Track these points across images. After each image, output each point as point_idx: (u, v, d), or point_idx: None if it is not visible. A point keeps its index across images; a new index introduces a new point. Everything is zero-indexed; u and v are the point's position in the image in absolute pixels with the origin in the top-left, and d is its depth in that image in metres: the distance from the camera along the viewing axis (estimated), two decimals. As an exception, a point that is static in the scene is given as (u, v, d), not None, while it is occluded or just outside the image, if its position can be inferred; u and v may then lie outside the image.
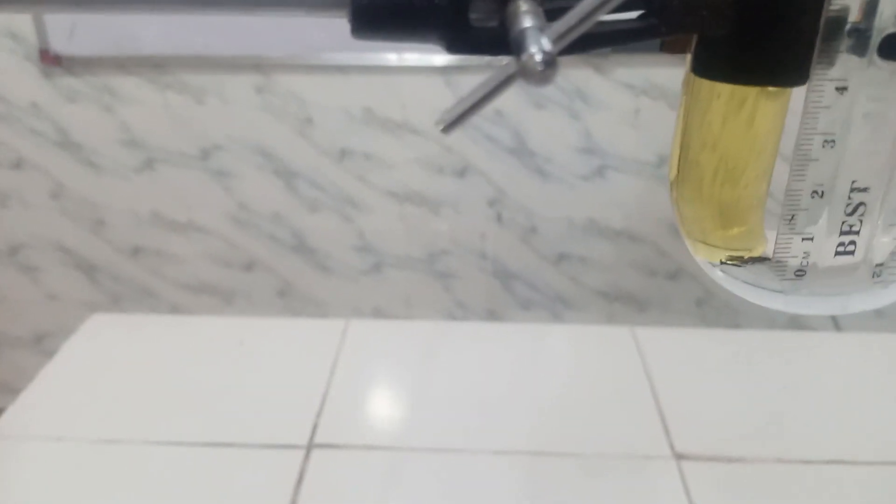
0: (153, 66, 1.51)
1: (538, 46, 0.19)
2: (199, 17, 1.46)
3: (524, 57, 0.19)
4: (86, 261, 1.70)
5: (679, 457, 0.71)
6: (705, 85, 0.27)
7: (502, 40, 0.22)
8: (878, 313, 1.69)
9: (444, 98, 1.51)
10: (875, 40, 0.24)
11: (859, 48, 0.24)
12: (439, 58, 1.47)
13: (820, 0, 0.23)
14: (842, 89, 0.25)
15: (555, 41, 0.20)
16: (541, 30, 0.20)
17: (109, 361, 0.83)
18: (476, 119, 1.53)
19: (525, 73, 0.20)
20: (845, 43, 0.24)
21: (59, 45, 1.49)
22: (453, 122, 0.22)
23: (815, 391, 0.82)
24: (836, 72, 0.24)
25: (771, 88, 0.26)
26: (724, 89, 0.26)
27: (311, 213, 1.63)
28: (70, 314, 1.73)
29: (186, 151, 1.58)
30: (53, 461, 0.70)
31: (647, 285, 1.68)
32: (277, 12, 0.25)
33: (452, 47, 0.24)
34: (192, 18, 1.46)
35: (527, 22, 0.20)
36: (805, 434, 0.75)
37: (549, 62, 0.19)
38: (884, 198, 0.25)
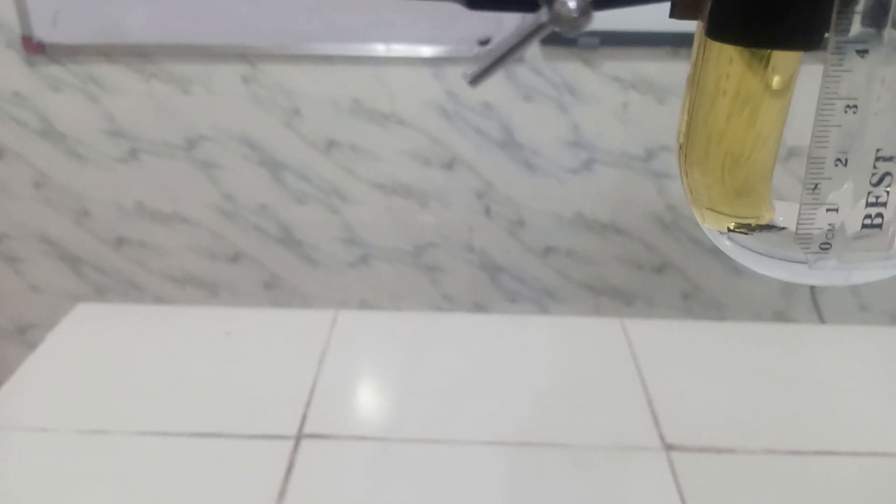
0: (138, 54, 1.49)
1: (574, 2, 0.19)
2: (185, 5, 1.45)
3: (557, 4, 0.19)
4: (69, 252, 1.68)
5: (669, 448, 0.71)
6: (716, 48, 0.27)
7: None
8: (862, 306, 1.70)
9: (433, 89, 1.50)
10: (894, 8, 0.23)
11: (878, 13, 0.23)
12: (428, 49, 1.47)
13: None
14: (863, 52, 0.24)
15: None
16: None
17: (95, 352, 0.82)
18: (464, 112, 1.53)
19: (558, 21, 0.19)
20: (864, 6, 0.23)
21: (42, 32, 1.47)
22: (480, 74, 0.22)
23: (803, 383, 0.82)
24: (856, 35, 0.24)
25: (782, 56, 0.25)
26: (737, 55, 0.26)
27: (297, 204, 1.62)
28: (53, 305, 1.71)
29: (172, 142, 1.56)
30: (38, 452, 0.69)
31: (634, 279, 1.69)
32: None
33: (474, 3, 0.23)
34: (178, 6, 1.45)
35: None
36: (793, 425, 0.76)
37: (584, 9, 0.19)
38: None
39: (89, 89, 1.52)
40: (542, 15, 0.20)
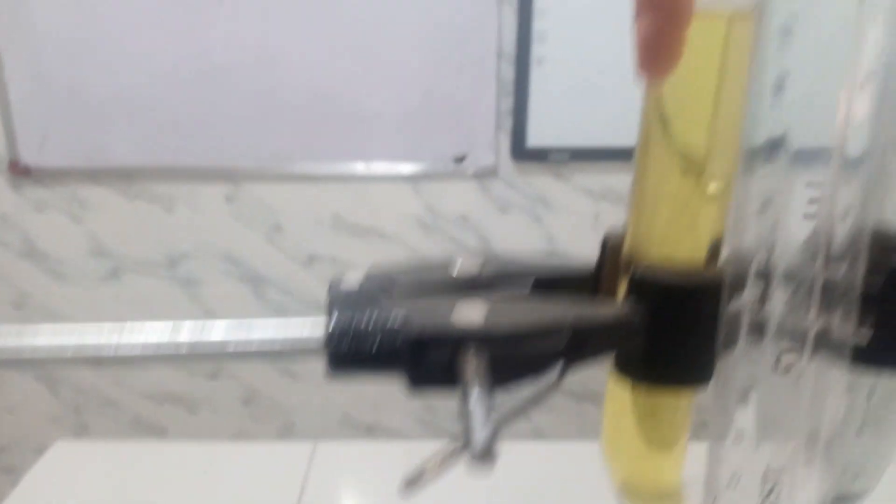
0: (123, 176, 1.53)
1: (481, 445, 0.23)
2: (168, 128, 1.49)
3: (472, 447, 0.23)
4: (46, 371, 1.66)
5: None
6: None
7: (455, 379, 0.26)
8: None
9: (412, 204, 1.55)
10: (770, 333, 0.27)
11: (756, 341, 0.27)
12: (407, 166, 1.52)
13: (716, 306, 0.27)
14: (748, 388, 0.27)
15: (496, 430, 0.23)
16: (485, 421, 0.23)
17: (72, 496, 0.81)
18: (442, 224, 1.57)
19: (472, 459, 0.23)
20: (745, 339, 0.27)
21: (29, 156, 1.51)
22: (415, 484, 0.25)
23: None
24: (740, 369, 0.27)
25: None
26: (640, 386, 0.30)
27: (278, 318, 1.63)
28: (30, 426, 1.68)
29: (154, 260, 1.58)
30: None
31: (615, 385, 1.70)
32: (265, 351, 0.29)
33: (413, 385, 0.27)
34: (161, 129, 1.50)
35: (474, 408, 0.23)
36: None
37: (487, 456, 0.23)
38: (798, 478, 0.28)
39: (73, 210, 1.55)
40: (462, 444, 0.23)
